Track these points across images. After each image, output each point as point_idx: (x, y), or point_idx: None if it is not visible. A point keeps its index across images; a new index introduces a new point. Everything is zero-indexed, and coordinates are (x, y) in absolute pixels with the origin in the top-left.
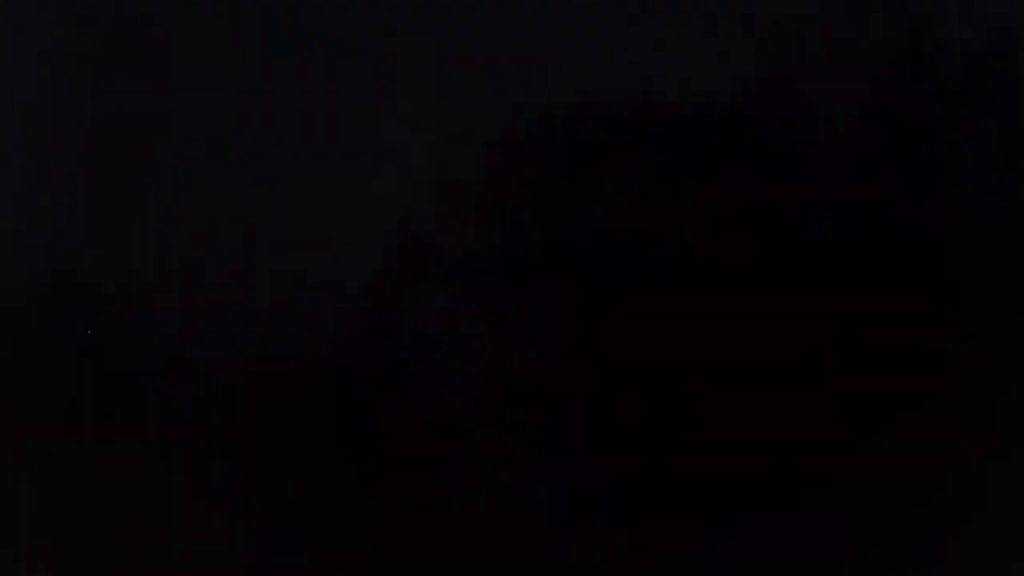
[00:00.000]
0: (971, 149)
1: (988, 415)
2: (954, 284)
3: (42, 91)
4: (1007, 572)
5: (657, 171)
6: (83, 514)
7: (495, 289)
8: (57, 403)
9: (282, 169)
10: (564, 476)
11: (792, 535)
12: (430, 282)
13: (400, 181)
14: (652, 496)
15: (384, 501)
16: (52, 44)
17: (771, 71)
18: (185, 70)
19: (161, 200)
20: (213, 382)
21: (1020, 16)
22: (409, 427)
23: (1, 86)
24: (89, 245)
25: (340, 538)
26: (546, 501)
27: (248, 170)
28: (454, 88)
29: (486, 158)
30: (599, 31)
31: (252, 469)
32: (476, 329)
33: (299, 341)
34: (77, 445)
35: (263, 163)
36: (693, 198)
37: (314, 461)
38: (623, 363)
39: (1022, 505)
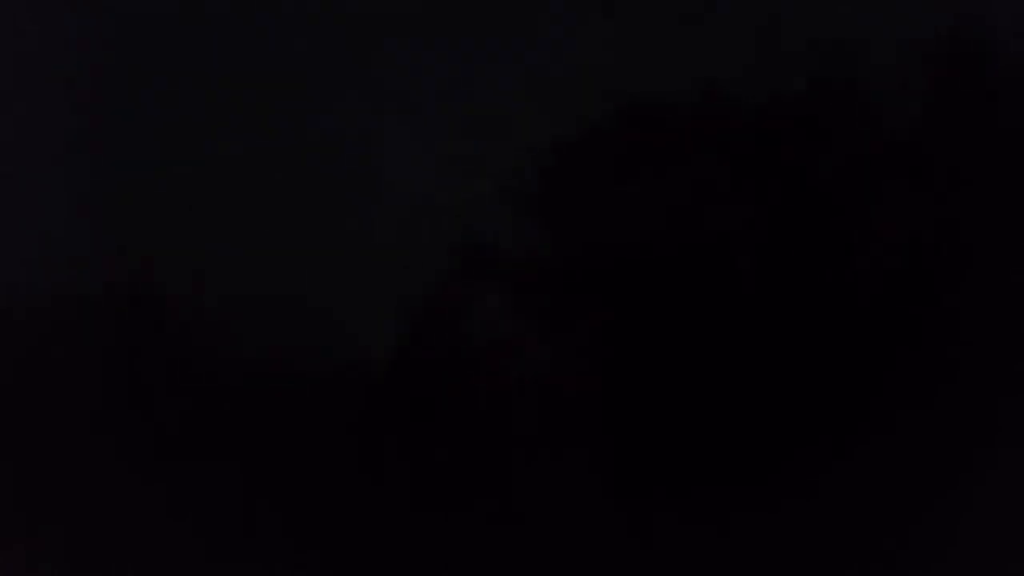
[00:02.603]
0: None
1: None
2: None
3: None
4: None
5: (717, 174)
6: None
7: (555, 292)
8: (116, 407)
9: (346, 177)
10: (620, 472)
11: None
12: (491, 285)
13: (462, 188)
14: (713, 498)
15: (446, 497)
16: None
17: (830, 72)
18: (249, 83)
19: (223, 205)
20: (276, 384)
21: None
22: (471, 427)
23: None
24: (156, 249)
25: (399, 531)
26: (605, 498)
27: (313, 177)
28: (511, 96)
29: (545, 164)
30: (656, 34)
31: (316, 469)
32: (535, 331)
33: (362, 344)
34: (134, 451)
35: (327, 170)
36: (752, 200)
37: (377, 459)
38: (684, 364)
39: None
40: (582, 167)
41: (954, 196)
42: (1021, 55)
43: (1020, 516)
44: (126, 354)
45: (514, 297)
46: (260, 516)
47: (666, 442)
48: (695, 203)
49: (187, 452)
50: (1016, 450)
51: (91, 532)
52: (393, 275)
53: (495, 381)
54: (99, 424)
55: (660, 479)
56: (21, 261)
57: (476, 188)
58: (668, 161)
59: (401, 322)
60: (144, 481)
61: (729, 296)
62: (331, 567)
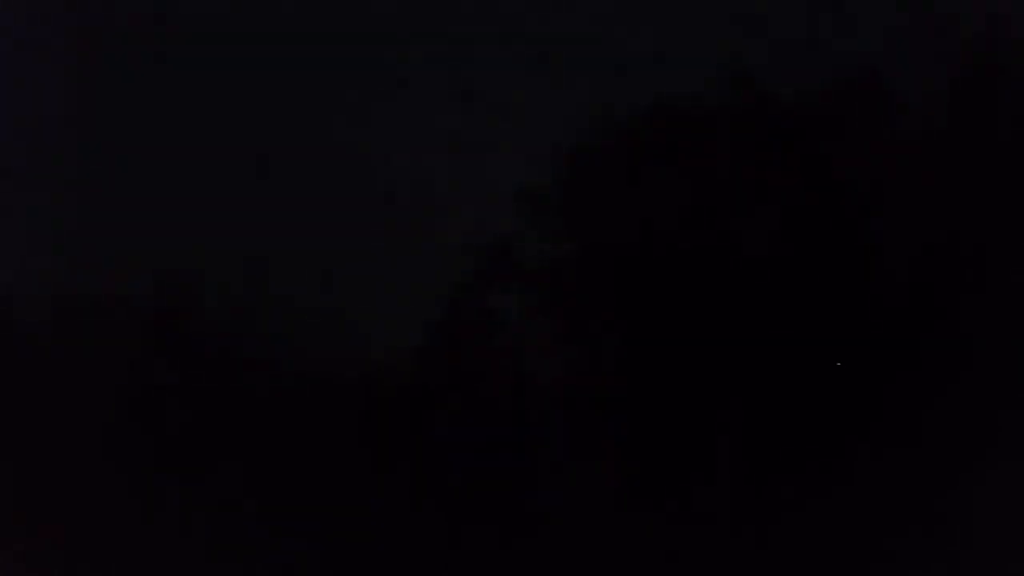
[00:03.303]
0: None
1: None
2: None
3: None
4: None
5: (740, 172)
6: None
7: (576, 292)
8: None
9: (363, 178)
10: (641, 472)
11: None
12: (510, 286)
13: (479, 188)
14: (734, 499)
15: (464, 497)
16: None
17: (855, 71)
18: (275, 79)
19: (238, 206)
20: (291, 386)
21: None
22: (490, 426)
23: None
24: (166, 251)
25: (417, 531)
26: (625, 495)
27: (328, 176)
28: (531, 95)
29: (564, 165)
30: (677, 33)
31: (332, 471)
32: (555, 331)
33: (380, 345)
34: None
35: (343, 170)
36: (776, 199)
37: (395, 461)
38: (706, 365)
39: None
40: (603, 166)
41: (978, 194)
42: None
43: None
44: (140, 354)
45: (534, 297)
46: (272, 519)
47: (688, 443)
48: (717, 202)
49: (201, 454)
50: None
51: (99, 532)
52: (412, 276)
53: (515, 381)
54: (110, 424)
55: (680, 479)
56: (27, 260)
57: (495, 187)
58: (690, 159)
59: (420, 323)
60: (156, 482)
61: (752, 295)
62: (344, 568)
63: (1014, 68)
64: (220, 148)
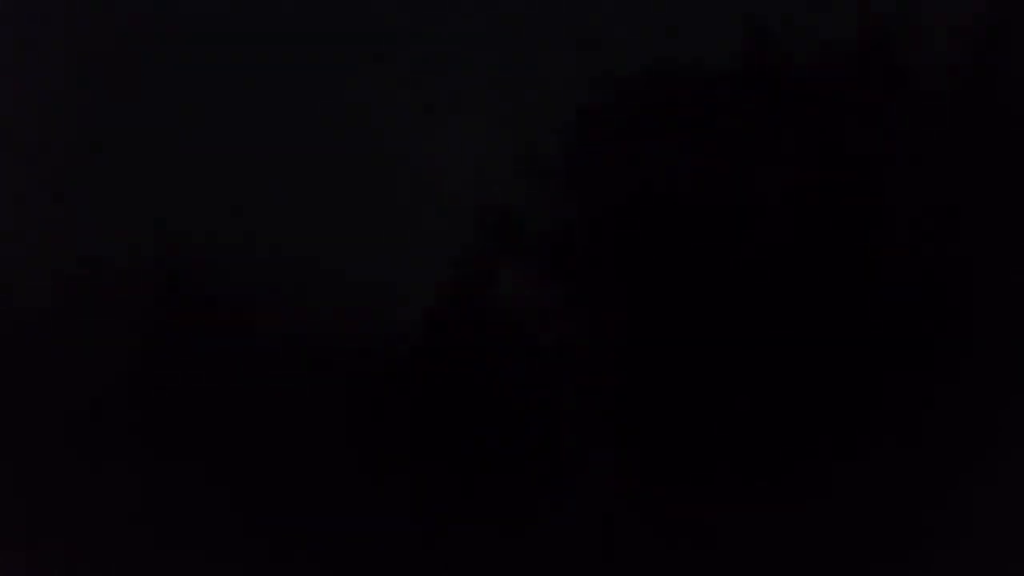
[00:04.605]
0: None
1: None
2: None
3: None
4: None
5: (750, 137)
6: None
7: (579, 264)
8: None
9: (362, 148)
10: (645, 459)
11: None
12: (513, 257)
13: (479, 156)
14: (738, 483)
15: (467, 482)
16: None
17: (872, 32)
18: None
19: (240, 180)
20: (293, 361)
21: None
22: (493, 406)
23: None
24: (180, 224)
25: (423, 521)
26: (626, 484)
27: (329, 148)
28: (532, 59)
29: (568, 130)
30: None
31: (334, 450)
32: (559, 305)
33: (381, 319)
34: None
35: (342, 141)
36: (787, 165)
37: (397, 442)
38: (714, 346)
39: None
40: (610, 130)
41: (996, 172)
42: None
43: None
44: (149, 330)
45: (540, 265)
46: (269, 515)
47: (699, 421)
48: (727, 168)
49: (198, 446)
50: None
51: (109, 526)
52: (416, 244)
53: (522, 351)
54: (123, 403)
55: (689, 460)
56: (39, 241)
57: (499, 153)
58: (698, 124)
59: (425, 291)
60: (161, 473)
61: (763, 267)
62: (349, 551)
63: None
64: (212, 131)
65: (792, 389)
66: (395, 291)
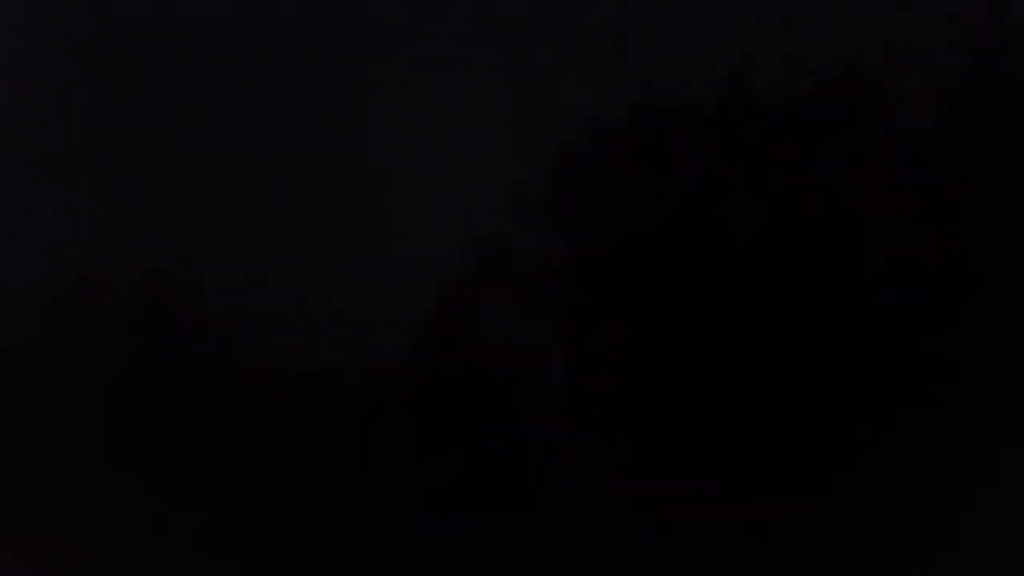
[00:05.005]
0: None
1: None
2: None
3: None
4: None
5: (734, 171)
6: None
7: (569, 292)
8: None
9: (354, 173)
10: (634, 479)
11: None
12: (504, 285)
13: (472, 184)
14: (725, 500)
15: (453, 504)
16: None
17: (854, 66)
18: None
19: (226, 205)
20: (280, 387)
21: None
22: (482, 431)
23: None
24: (159, 248)
25: (405, 542)
26: (616, 503)
27: (320, 173)
28: (525, 90)
29: (559, 159)
30: (668, 29)
31: (321, 475)
32: (549, 332)
33: (372, 345)
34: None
35: (335, 166)
36: (770, 199)
37: (386, 466)
38: (699, 366)
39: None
40: (597, 164)
41: (973, 195)
42: None
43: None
44: (131, 353)
45: (528, 296)
46: (262, 519)
47: (685, 444)
48: (711, 200)
49: (192, 454)
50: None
51: (96, 533)
52: (403, 274)
53: (510, 381)
54: (105, 423)
55: (678, 481)
56: (25, 258)
57: (487, 185)
58: (684, 158)
59: (413, 323)
60: (146, 483)
61: (746, 294)
62: (335, 569)
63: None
64: (196, 139)
65: (769, 422)
66: (380, 321)
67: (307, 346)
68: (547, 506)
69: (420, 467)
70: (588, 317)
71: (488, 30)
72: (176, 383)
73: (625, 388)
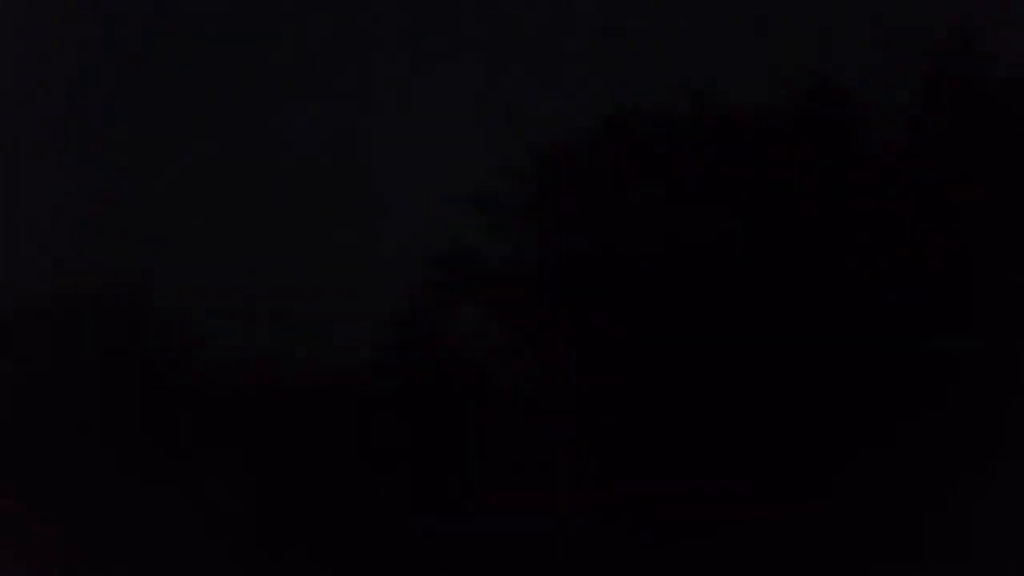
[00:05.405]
0: None
1: None
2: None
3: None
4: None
5: (703, 182)
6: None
7: (537, 300)
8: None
9: (325, 186)
10: (604, 482)
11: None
12: (472, 293)
13: (440, 195)
14: (696, 502)
15: (425, 507)
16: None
17: (824, 79)
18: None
19: (203, 214)
20: (253, 396)
21: None
22: (449, 434)
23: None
24: (141, 256)
25: (385, 545)
26: (587, 506)
27: (294, 187)
28: (494, 103)
29: (527, 171)
30: (639, 41)
31: (295, 482)
32: (517, 339)
33: (341, 353)
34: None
35: (308, 180)
36: (739, 207)
37: (357, 472)
38: (667, 372)
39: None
40: (566, 175)
41: (952, 199)
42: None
43: (1020, 516)
44: (111, 359)
45: (496, 305)
46: (246, 520)
47: (653, 449)
48: (680, 210)
49: (170, 456)
50: (1017, 450)
51: (86, 533)
52: (374, 284)
53: (478, 388)
54: (89, 428)
55: (646, 486)
56: (15, 263)
57: (458, 197)
58: (652, 169)
59: (382, 331)
60: (134, 484)
61: (716, 303)
62: (320, 569)
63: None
64: (177, 149)
65: (742, 433)
66: (351, 329)
67: (270, 353)
68: (504, 512)
69: (381, 470)
70: (556, 325)
71: (461, 43)
72: (142, 389)
73: (592, 394)
